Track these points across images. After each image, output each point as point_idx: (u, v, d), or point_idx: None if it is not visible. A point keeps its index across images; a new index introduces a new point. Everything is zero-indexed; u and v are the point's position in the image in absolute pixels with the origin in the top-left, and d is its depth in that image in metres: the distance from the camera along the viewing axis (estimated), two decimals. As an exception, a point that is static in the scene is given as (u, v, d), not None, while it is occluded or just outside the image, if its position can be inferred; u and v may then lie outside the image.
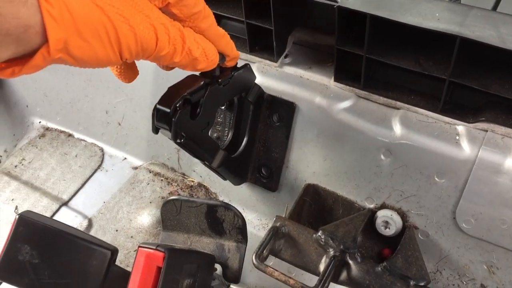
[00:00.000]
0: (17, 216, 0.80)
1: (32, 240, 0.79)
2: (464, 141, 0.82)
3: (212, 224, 0.93)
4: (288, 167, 1.01)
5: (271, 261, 0.94)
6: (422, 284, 0.79)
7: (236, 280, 0.92)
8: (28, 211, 0.84)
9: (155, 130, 0.77)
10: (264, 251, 0.86)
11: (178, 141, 0.77)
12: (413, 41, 0.83)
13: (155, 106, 0.74)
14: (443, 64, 0.80)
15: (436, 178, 0.84)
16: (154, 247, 0.79)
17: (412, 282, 0.79)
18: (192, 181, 1.15)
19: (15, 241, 0.79)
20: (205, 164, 0.92)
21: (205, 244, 0.96)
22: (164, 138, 0.80)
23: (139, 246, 0.80)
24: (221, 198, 1.14)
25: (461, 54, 0.75)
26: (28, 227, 0.80)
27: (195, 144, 0.81)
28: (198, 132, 0.80)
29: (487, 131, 0.81)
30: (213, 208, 0.91)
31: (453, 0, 0.87)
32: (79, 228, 1.08)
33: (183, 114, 0.75)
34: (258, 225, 1.10)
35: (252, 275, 1.04)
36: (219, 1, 0.99)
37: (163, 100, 0.77)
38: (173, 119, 0.73)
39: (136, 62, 1.10)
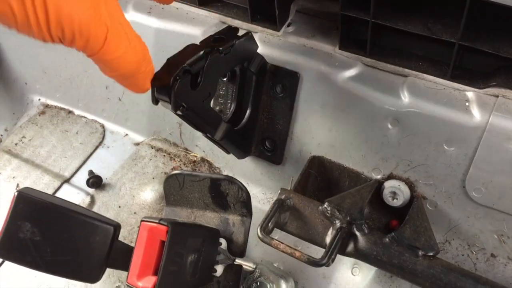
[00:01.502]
0: (16, 193, 0.78)
1: (32, 217, 0.78)
2: (474, 108, 0.79)
3: (216, 198, 0.92)
4: (292, 139, 0.98)
5: (277, 234, 0.92)
6: (431, 254, 0.78)
7: (242, 254, 0.91)
8: (27, 188, 0.82)
9: (155, 101, 0.75)
10: (269, 224, 0.84)
11: (179, 112, 0.75)
12: (420, 4, 0.80)
13: (154, 76, 0.72)
14: (452, 27, 0.77)
15: (445, 146, 0.82)
16: (157, 221, 0.78)
17: (420, 252, 0.78)
18: (195, 156, 1.13)
19: (15, 218, 0.77)
20: (207, 137, 0.89)
21: (209, 218, 0.95)
22: (165, 113, 0.78)
23: (142, 220, 0.78)
24: (224, 173, 1.12)
25: (471, 16, 0.72)
26: (28, 204, 0.78)
27: (197, 115, 0.79)
28: (200, 103, 0.78)
29: (498, 96, 0.79)
30: (216, 182, 0.90)
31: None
32: (82, 205, 1.07)
33: (183, 84, 0.73)
34: (263, 199, 1.08)
35: (257, 249, 1.02)
36: (219, -31, 0.96)
37: (162, 71, 0.74)
38: (173, 90, 0.71)
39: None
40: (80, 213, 0.81)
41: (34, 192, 0.82)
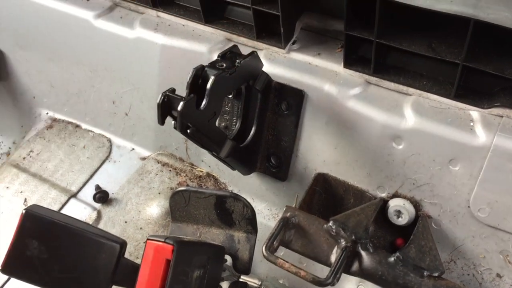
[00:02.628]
0: (23, 211, 0.79)
1: (40, 235, 0.78)
2: (479, 127, 0.79)
3: (221, 215, 0.92)
4: (297, 156, 0.99)
5: (282, 251, 0.93)
6: (436, 274, 0.78)
7: (247, 271, 0.91)
8: (35, 205, 0.83)
9: (162, 122, 0.76)
10: (274, 243, 0.84)
11: (185, 132, 0.76)
12: (424, 24, 0.81)
13: (160, 98, 0.73)
14: (456, 48, 0.78)
15: (450, 166, 0.82)
16: (163, 240, 0.78)
17: (426, 273, 0.77)
18: (201, 171, 1.14)
19: (22, 236, 0.78)
20: (213, 154, 0.90)
21: (215, 235, 0.95)
22: (172, 128, 0.79)
23: (148, 239, 0.79)
24: (230, 188, 1.12)
25: (475, 37, 0.72)
26: (35, 222, 0.79)
27: (202, 134, 0.80)
28: (205, 122, 0.79)
29: (502, 116, 0.79)
30: (222, 198, 0.90)
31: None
32: (88, 220, 1.08)
33: (189, 104, 0.73)
34: (268, 215, 1.08)
35: (262, 266, 1.03)
36: (225, -13, 0.97)
37: None
38: (179, 110, 0.72)
39: (142, 52, 1.09)
40: (87, 231, 0.82)
41: (42, 209, 0.83)
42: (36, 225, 0.79)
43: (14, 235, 0.79)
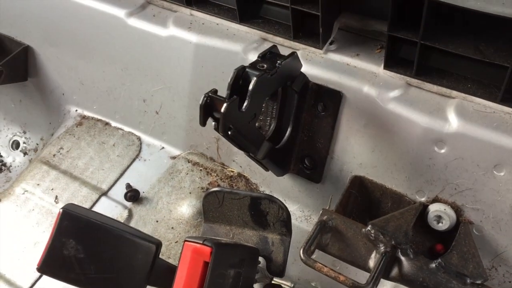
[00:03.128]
0: (61, 210, 0.79)
1: (76, 235, 0.78)
2: (526, 133, 0.77)
3: (256, 216, 0.91)
4: (333, 158, 0.97)
5: (315, 253, 0.92)
6: (479, 282, 0.76)
7: (281, 274, 0.90)
8: (70, 204, 0.83)
9: (203, 123, 0.75)
10: (312, 246, 0.83)
11: (227, 133, 0.75)
12: (472, 26, 0.79)
13: (203, 99, 0.72)
14: (505, 51, 0.76)
15: (494, 172, 0.80)
16: (201, 242, 0.77)
17: (468, 280, 0.76)
18: (232, 171, 1.13)
19: (59, 235, 0.78)
20: (249, 155, 0.89)
21: (248, 236, 0.94)
22: (202, 127, 0.78)
23: (186, 240, 0.78)
24: (261, 189, 1.11)
25: (526, 40, 0.70)
26: (72, 221, 0.79)
27: (243, 136, 0.79)
28: (246, 124, 0.78)
29: (551, 122, 0.77)
30: (257, 200, 0.89)
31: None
32: (120, 219, 1.07)
33: (232, 106, 0.72)
34: (300, 217, 1.07)
35: (294, 268, 1.01)
36: (262, -14, 0.96)
37: None
38: (222, 112, 0.71)
39: (175, 50, 1.08)
40: (123, 230, 0.81)
41: (78, 208, 0.83)
42: (73, 224, 0.79)
43: (52, 234, 0.79)
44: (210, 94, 0.74)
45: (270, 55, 0.84)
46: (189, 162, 1.16)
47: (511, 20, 0.69)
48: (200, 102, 0.74)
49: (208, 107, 0.74)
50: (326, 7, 0.88)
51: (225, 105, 0.71)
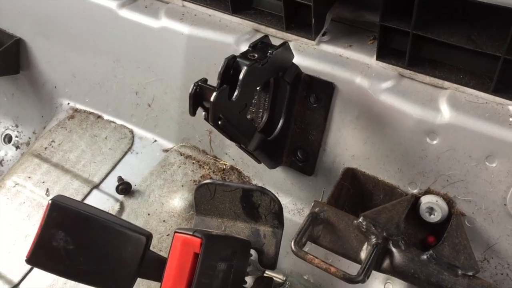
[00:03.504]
0: (50, 202, 0.78)
1: (66, 226, 0.77)
2: (518, 123, 0.77)
3: (247, 209, 0.91)
4: (325, 150, 0.97)
5: (307, 246, 0.91)
6: (471, 273, 0.75)
7: (272, 266, 0.89)
8: (60, 196, 0.82)
9: (193, 113, 0.74)
10: (303, 238, 0.83)
11: (217, 123, 0.74)
12: (464, 15, 0.78)
13: (192, 88, 0.71)
14: (498, 40, 0.75)
15: (486, 163, 0.79)
16: (191, 233, 0.77)
17: (460, 272, 0.75)
18: (225, 164, 1.12)
19: (48, 227, 0.77)
20: (241, 147, 0.88)
21: (240, 229, 0.93)
22: (195, 120, 0.78)
23: (176, 232, 0.78)
24: (254, 182, 1.11)
25: (518, 29, 0.70)
26: (62, 212, 0.78)
27: (233, 126, 0.78)
28: (236, 114, 0.77)
29: (543, 112, 0.76)
30: (248, 192, 0.88)
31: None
32: (111, 212, 1.07)
33: (222, 95, 0.72)
34: (293, 210, 1.07)
35: (286, 261, 1.01)
36: (254, -23, 0.95)
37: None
38: (212, 101, 0.70)
39: (167, 42, 1.07)
40: (113, 222, 0.81)
41: (68, 200, 0.82)
42: (63, 216, 0.78)
43: (40, 225, 0.78)
44: (199, 83, 0.73)
45: (261, 45, 0.83)
46: (181, 155, 1.15)
47: (503, 9, 0.68)
48: (190, 91, 0.73)
49: (198, 96, 0.74)
50: (318, -3, 0.87)
51: (214, 94, 0.70)
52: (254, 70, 0.76)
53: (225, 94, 0.73)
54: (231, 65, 0.77)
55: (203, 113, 0.76)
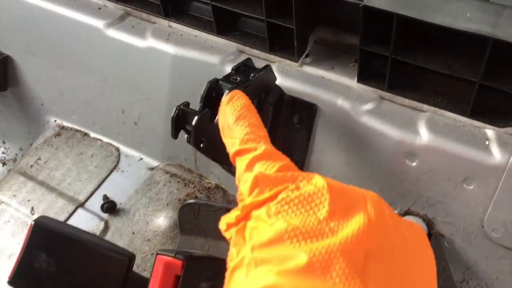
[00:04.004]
0: (32, 222, 0.79)
1: (48, 247, 0.78)
2: (494, 147, 0.78)
3: (231, 228, 0.91)
4: (308, 170, 0.98)
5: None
6: (449, 295, 0.77)
7: (256, 286, 0.90)
8: (43, 217, 0.82)
9: (175, 136, 0.75)
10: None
11: (199, 146, 0.75)
12: (441, 41, 0.80)
13: (174, 112, 0.72)
14: (473, 65, 0.77)
15: (464, 185, 0.81)
16: (173, 255, 0.77)
17: (439, 293, 0.76)
18: (210, 182, 1.13)
19: (31, 248, 0.78)
20: (224, 167, 0.89)
21: (224, 249, 0.93)
22: (181, 139, 0.79)
23: (158, 254, 0.78)
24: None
25: (493, 56, 0.72)
26: (44, 233, 0.79)
27: (216, 148, 0.79)
28: (218, 137, 0.78)
29: (519, 136, 0.78)
30: (231, 212, 0.89)
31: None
32: (96, 231, 1.07)
33: (203, 118, 0.73)
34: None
35: (271, 280, 1.01)
36: (238, 0, 0.96)
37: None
38: (193, 124, 0.71)
39: (153, 62, 1.08)
40: (96, 243, 0.81)
41: (50, 221, 0.83)
42: (45, 237, 0.79)
43: (23, 246, 0.78)
44: (181, 107, 0.74)
45: (244, 68, 0.85)
46: (167, 173, 1.16)
47: (478, 36, 0.70)
48: (172, 114, 0.74)
49: (180, 120, 0.75)
50: (301, 21, 0.89)
51: (196, 118, 0.71)
52: (235, 93, 0.77)
53: (207, 118, 0.74)
54: (213, 88, 0.78)
55: (186, 135, 0.77)
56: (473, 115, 0.81)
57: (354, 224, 0.50)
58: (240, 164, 0.61)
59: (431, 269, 0.56)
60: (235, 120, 0.66)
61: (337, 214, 0.51)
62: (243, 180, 0.58)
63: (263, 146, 0.61)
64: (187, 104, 0.75)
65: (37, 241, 0.78)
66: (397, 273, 0.50)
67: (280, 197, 0.53)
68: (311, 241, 0.47)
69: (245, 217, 0.56)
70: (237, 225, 0.56)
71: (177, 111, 0.74)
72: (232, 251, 0.54)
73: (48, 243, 0.79)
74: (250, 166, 0.59)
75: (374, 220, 0.51)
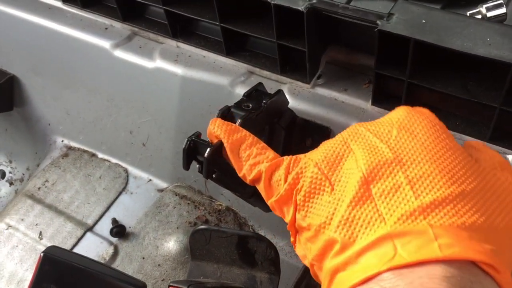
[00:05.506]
0: (41, 255, 0.77)
1: (58, 279, 0.76)
2: (516, 172, 0.76)
3: (243, 255, 0.89)
4: (321, 193, 0.95)
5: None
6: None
7: (270, 314, 0.88)
8: (52, 247, 0.81)
9: (187, 167, 0.73)
10: (300, 286, 0.81)
11: (211, 177, 0.73)
12: (460, 65, 0.78)
13: (186, 144, 0.70)
14: (493, 90, 0.75)
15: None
16: (186, 287, 0.76)
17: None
18: (220, 204, 1.11)
19: (40, 280, 0.76)
20: (237, 195, 0.87)
21: (236, 275, 0.92)
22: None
23: (170, 285, 0.77)
24: (250, 223, 1.09)
25: (514, 80, 0.69)
26: (54, 265, 0.77)
27: (228, 178, 0.77)
28: (230, 167, 0.76)
29: (541, 161, 0.75)
30: (244, 238, 0.87)
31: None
32: (105, 256, 1.05)
33: (216, 151, 0.71)
34: (289, 252, 1.05)
35: (284, 306, 0.99)
36: (247, 21, 0.94)
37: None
38: (206, 157, 0.69)
39: (162, 82, 1.06)
40: (107, 275, 0.79)
41: (60, 251, 0.81)
42: (55, 269, 0.77)
43: (32, 279, 0.77)
44: (193, 138, 0.72)
45: (255, 93, 0.82)
46: (176, 195, 1.14)
47: (497, 62, 0.68)
48: (183, 146, 0.72)
49: (191, 151, 0.73)
50: (312, 42, 0.87)
51: (208, 150, 0.69)
52: (248, 121, 0.75)
53: (220, 149, 0.72)
54: (225, 116, 0.76)
55: (197, 166, 0.75)
56: (493, 139, 0.78)
57: None
58: None
59: None
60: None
61: None
62: None
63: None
64: (198, 135, 0.73)
65: (46, 273, 0.77)
66: None
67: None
68: None
69: None
70: None
71: (188, 142, 0.72)
72: None
73: (57, 274, 0.77)
74: None
75: None
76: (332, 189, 0.52)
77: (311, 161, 0.57)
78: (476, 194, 0.47)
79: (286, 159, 0.61)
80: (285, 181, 0.58)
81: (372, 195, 0.47)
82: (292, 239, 0.59)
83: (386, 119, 0.57)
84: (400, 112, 0.58)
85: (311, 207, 0.53)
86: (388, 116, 0.59)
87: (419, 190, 0.46)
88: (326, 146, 0.57)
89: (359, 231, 0.46)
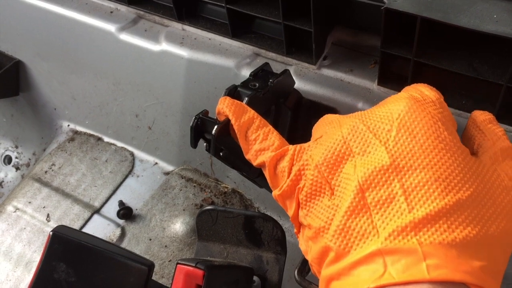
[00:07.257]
0: (51, 233, 0.78)
1: (67, 258, 0.77)
2: (522, 150, 0.76)
3: (250, 235, 0.90)
4: (327, 174, 0.96)
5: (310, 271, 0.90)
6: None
7: (276, 293, 0.89)
8: (61, 226, 0.81)
9: (194, 145, 0.74)
10: (307, 266, 0.82)
11: (218, 155, 0.73)
12: (466, 43, 0.78)
13: (193, 121, 0.71)
14: (499, 68, 0.75)
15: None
16: (194, 264, 0.76)
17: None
18: (226, 187, 1.12)
19: (50, 259, 0.77)
20: (242, 174, 0.88)
21: (242, 255, 0.93)
22: (196, 143, 0.78)
23: (178, 263, 0.77)
24: (256, 205, 1.10)
25: (521, 57, 0.69)
26: (63, 244, 0.78)
27: (235, 156, 0.77)
28: (237, 145, 0.77)
29: (547, 139, 0.76)
30: (251, 219, 0.88)
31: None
32: (112, 238, 1.06)
33: (223, 128, 0.71)
34: (295, 234, 1.06)
35: (290, 286, 1.00)
36: (253, 2, 0.94)
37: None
38: (213, 134, 0.70)
39: (167, 65, 1.06)
40: (115, 253, 0.80)
41: (68, 231, 0.82)
42: (64, 247, 0.78)
43: (41, 257, 0.78)
44: (201, 115, 0.73)
45: (262, 73, 0.83)
46: (182, 178, 1.15)
47: (505, 38, 0.68)
48: (191, 124, 0.72)
49: (199, 129, 0.73)
50: (318, 23, 0.87)
51: (215, 127, 0.70)
52: (255, 99, 0.76)
53: (227, 127, 0.72)
54: (232, 95, 0.77)
55: (204, 144, 0.75)
56: (499, 117, 0.78)
57: None
58: None
59: None
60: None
61: None
62: None
63: None
64: (206, 113, 0.74)
65: (55, 251, 0.77)
66: None
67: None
68: None
69: None
70: None
71: (196, 120, 0.72)
72: None
73: (66, 253, 0.78)
74: None
75: None
76: (332, 193, 0.53)
77: (312, 160, 0.57)
78: (473, 201, 0.47)
79: (291, 149, 0.62)
80: (289, 173, 0.59)
81: (367, 204, 0.48)
82: (295, 230, 0.60)
83: (387, 113, 0.57)
84: (402, 106, 0.56)
85: (312, 207, 0.55)
86: (389, 108, 0.57)
87: (413, 202, 0.46)
88: (326, 145, 0.57)
89: (353, 242, 0.47)
